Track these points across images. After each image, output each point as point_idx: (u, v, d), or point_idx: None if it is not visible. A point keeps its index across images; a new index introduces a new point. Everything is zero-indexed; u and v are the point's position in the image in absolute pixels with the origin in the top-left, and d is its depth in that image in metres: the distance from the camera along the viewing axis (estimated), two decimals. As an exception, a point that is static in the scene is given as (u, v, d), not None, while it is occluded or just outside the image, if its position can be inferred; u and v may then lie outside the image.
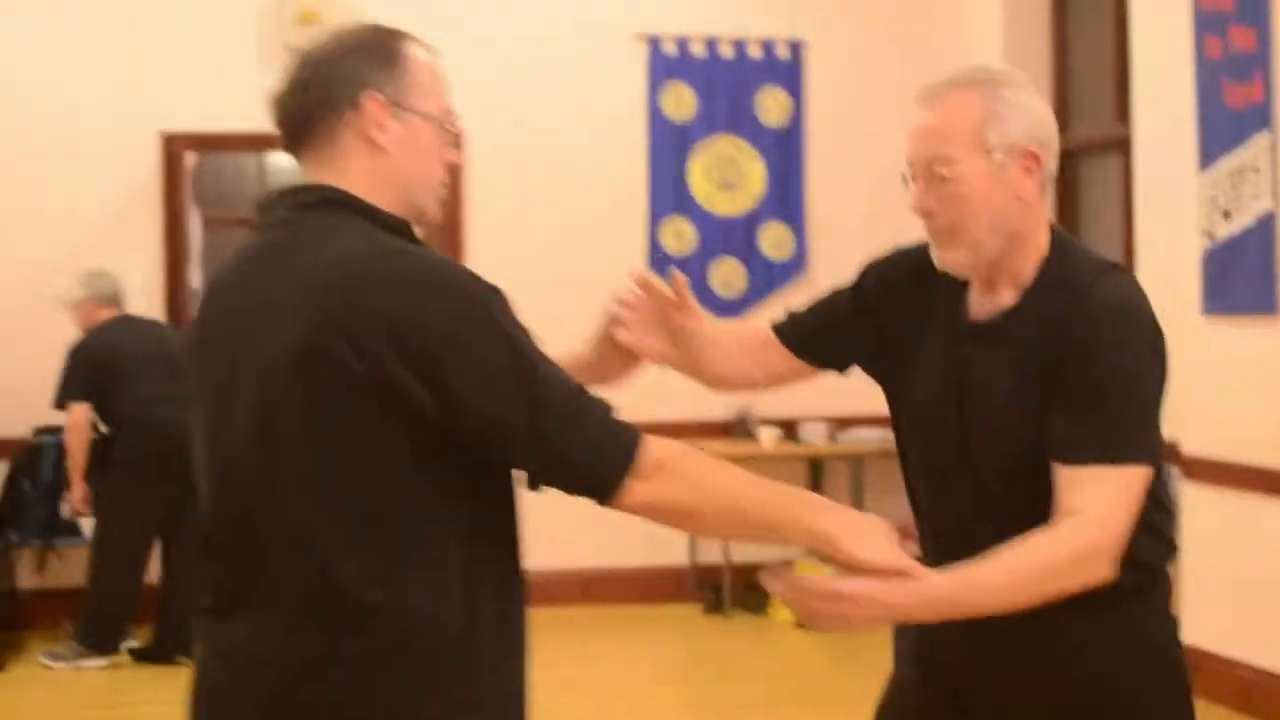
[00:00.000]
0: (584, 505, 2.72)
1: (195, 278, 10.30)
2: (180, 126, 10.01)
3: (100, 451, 9.05)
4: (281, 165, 16.96)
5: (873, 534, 2.89)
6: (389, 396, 2.55)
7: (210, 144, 10.37)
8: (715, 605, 10.03)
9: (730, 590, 9.99)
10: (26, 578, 9.64)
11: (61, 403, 8.94)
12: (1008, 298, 3.22)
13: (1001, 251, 3.18)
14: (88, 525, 9.31)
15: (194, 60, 10.00)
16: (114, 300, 9.20)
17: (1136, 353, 3.11)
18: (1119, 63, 9.06)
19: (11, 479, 9.51)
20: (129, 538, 9.04)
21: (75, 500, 9.06)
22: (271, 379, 2.60)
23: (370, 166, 2.74)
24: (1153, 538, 3.23)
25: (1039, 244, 3.21)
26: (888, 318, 3.42)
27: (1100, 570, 3.03)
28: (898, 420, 3.45)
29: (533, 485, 2.72)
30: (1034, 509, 3.12)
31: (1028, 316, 3.15)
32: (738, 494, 2.75)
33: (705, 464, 2.74)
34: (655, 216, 10.32)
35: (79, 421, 8.95)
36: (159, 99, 9.95)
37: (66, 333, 9.09)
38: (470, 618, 2.64)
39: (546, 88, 10.26)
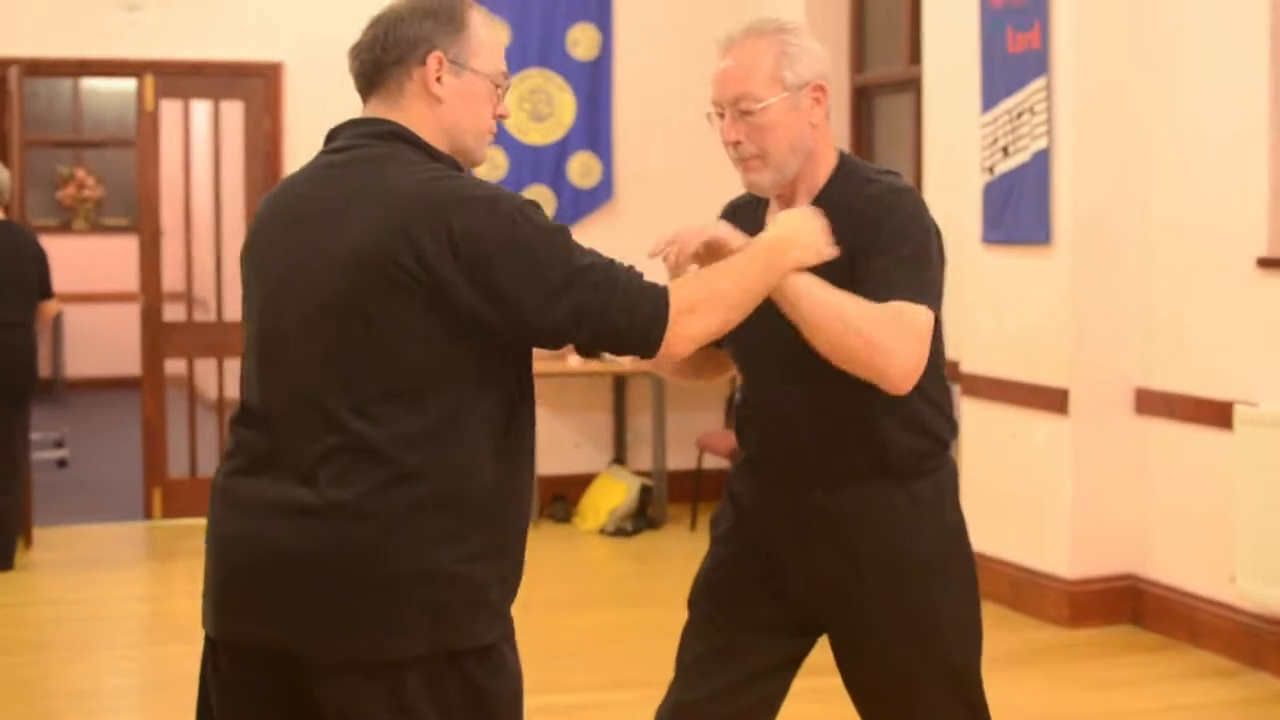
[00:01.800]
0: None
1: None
2: (7, 51, 10.18)
3: None
4: (95, 89, 17.11)
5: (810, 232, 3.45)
6: (440, 296, 3.02)
7: (34, 69, 10.51)
8: (524, 515, 10.40)
9: (538, 500, 10.39)
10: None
11: None
12: (804, 204, 3.71)
13: (798, 170, 3.72)
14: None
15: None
16: None
17: (921, 219, 3.67)
18: (913, 6, 9.59)
19: None
20: None
21: None
22: (333, 274, 3.06)
23: (427, 112, 3.20)
24: (937, 411, 3.79)
25: (829, 160, 3.77)
26: None
27: (917, 355, 3.52)
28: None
29: (586, 354, 3.20)
30: (843, 383, 3.62)
31: (825, 212, 3.58)
32: (738, 292, 3.27)
33: (709, 284, 3.25)
34: (469, 145, 10.61)
35: None
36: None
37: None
38: (496, 482, 3.14)
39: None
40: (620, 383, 11.02)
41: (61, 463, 12.74)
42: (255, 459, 3.17)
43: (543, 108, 10.82)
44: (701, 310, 3.19)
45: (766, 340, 3.71)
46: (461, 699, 3.12)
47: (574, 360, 10.35)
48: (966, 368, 8.40)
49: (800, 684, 4.07)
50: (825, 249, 3.47)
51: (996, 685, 6.92)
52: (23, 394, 9.43)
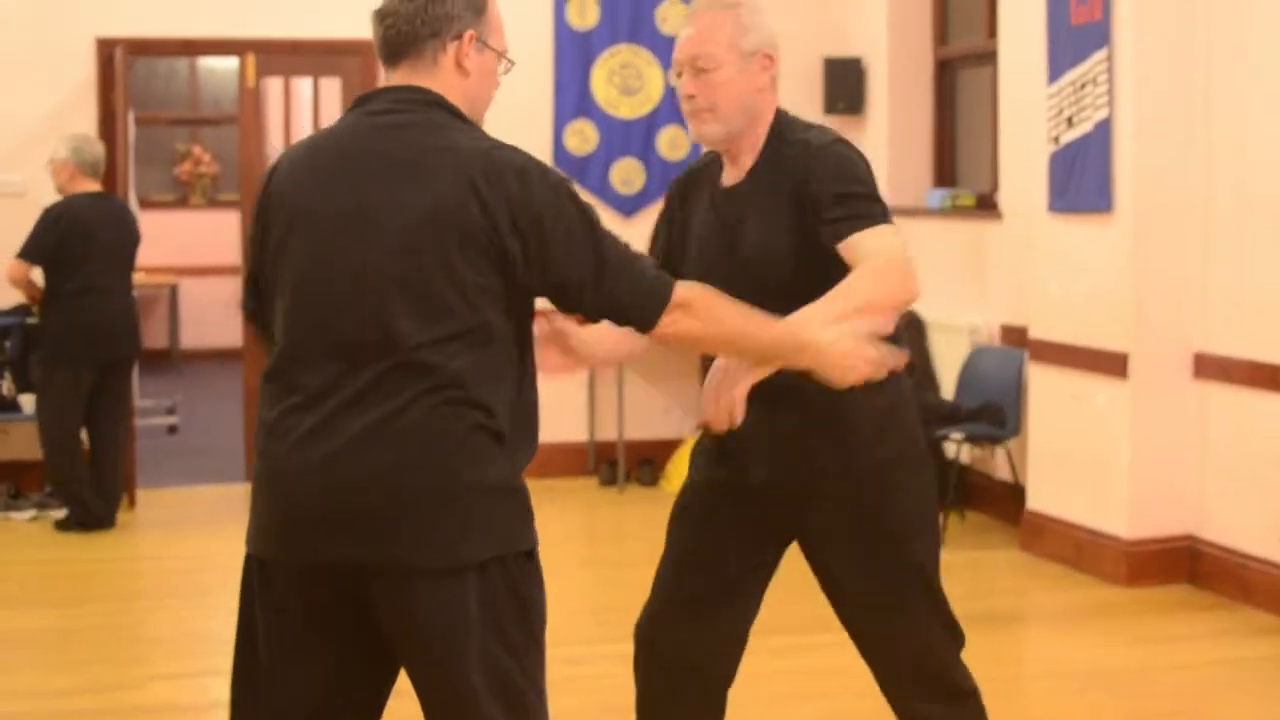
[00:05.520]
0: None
1: (130, 174, 10.77)
2: (114, 32, 10.48)
3: (37, 331, 9.68)
4: (211, 68, 17.52)
5: (850, 354, 3.72)
6: (494, 244, 3.40)
7: (143, 48, 10.83)
8: (611, 478, 10.74)
9: (625, 465, 10.73)
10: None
11: (23, 257, 9.36)
12: (749, 163, 4.16)
13: (743, 128, 4.13)
14: (27, 402, 9.91)
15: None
16: (95, 170, 9.57)
17: (853, 156, 4.05)
18: (989, -19, 9.79)
19: (-45, 361, 9.98)
20: (54, 416, 9.57)
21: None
22: (408, 222, 3.42)
23: (456, 83, 3.57)
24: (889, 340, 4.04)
25: (769, 121, 4.17)
26: (675, 212, 4.38)
27: (910, 278, 3.86)
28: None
29: (591, 320, 3.60)
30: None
31: (764, 168, 4.12)
32: (738, 329, 3.63)
33: (717, 304, 3.61)
34: (560, 119, 10.91)
35: (16, 278, 9.41)
36: (94, 5, 10.44)
37: (10, 223, 9.61)
38: (527, 409, 3.56)
39: None
40: (708, 351, 11.18)
41: (172, 429, 13.07)
42: (313, 396, 3.46)
43: (632, 82, 11.05)
44: (696, 316, 3.55)
45: (722, 283, 3.93)
46: (508, 601, 3.48)
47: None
48: (1034, 333, 8.59)
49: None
50: (849, 378, 3.73)
51: (1051, 640, 7.20)
52: (128, 359, 9.78)
